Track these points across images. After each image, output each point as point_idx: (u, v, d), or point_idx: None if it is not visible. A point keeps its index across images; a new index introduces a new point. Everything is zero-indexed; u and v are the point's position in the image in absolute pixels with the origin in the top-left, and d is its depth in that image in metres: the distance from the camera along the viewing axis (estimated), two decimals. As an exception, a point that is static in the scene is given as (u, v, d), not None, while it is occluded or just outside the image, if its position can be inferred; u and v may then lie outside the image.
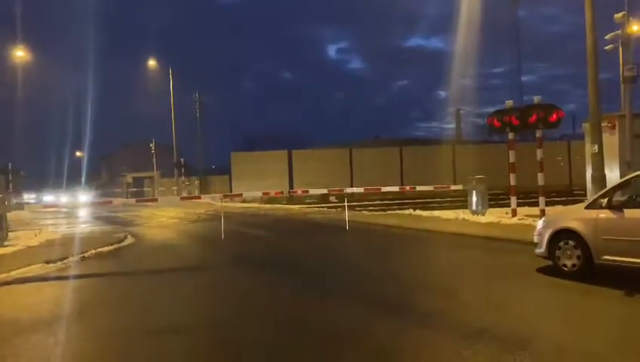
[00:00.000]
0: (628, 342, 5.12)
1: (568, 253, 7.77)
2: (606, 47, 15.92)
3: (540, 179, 15.12)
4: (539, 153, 15.11)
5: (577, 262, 7.66)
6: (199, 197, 25.99)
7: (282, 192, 22.76)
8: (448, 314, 6.14)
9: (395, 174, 35.70)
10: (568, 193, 27.37)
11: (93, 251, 12.58)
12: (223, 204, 18.80)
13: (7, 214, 14.25)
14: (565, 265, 7.80)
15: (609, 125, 14.79)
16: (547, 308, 6.54)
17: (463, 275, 8.78)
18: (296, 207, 28.25)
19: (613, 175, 13.73)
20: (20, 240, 14.43)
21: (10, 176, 38.54)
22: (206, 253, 13.01)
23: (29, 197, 50.12)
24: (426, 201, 25.86)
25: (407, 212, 20.40)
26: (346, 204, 18.41)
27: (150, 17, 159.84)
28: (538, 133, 15.23)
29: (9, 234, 14.28)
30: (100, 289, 8.76)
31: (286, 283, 8.58)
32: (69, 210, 32.18)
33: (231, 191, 31.37)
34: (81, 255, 12.02)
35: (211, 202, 29.17)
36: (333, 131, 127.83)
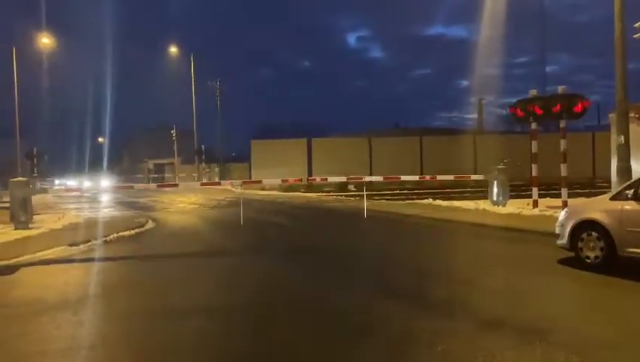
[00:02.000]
0: (651, 335, 5.04)
1: (591, 244, 7.66)
2: (635, 35, 15.51)
3: (563, 170, 14.90)
4: (562, 144, 14.88)
5: (600, 254, 7.54)
6: (219, 184, 26.17)
7: (301, 180, 22.79)
8: (466, 304, 6.10)
9: (414, 164, 35.48)
10: (592, 185, 26.92)
11: (115, 235, 12.77)
12: (243, 190, 18.93)
13: (32, 197, 14.53)
14: (588, 257, 7.69)
15: (636, 116, 14.45)
16: (568, 299, 6.47)
17: (482, 265, 8.71)
18: (315, 195, 28.26)
19: (639, 166, 13.45)
20: (44, 223, 14.71)
21: (34, 160, 39.35)
22: (225, 238, 13.11)
23: (60, 183, 51.23)
24: (446, 191, 25.66)
25: (426, 201, 20.28)
26: (364, 192, 18.38)
27: (171, 4, 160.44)
28: (562, 123, 14.98)
29: (34, 217, 14.56)
30: (121, 272, 8.91)
31: (303, 269, 8.62)
32: (92, 195, 32.67)
33: (250, 179, 31.51)
34: (104, 238, 12.22)
35: (231, 189, 29.37)
36: (352, 120, 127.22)
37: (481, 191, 20.57)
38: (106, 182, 48.21)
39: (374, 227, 14.69)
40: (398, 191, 28.16)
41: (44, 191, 22.30)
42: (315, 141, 38.61)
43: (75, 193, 30.79)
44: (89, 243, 11.52)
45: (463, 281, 7.40)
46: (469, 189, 25.70)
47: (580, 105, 14.39)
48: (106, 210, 22.26)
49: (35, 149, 39.95)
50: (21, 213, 13.52)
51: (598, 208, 7.82)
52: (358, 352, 4.66)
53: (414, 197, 23.50)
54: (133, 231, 13.64)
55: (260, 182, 23.50)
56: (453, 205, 18.23)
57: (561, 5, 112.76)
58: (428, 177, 20.97)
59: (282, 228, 14.75)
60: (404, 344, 4.86)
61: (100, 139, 72.29)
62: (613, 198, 7.76)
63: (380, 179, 20.73)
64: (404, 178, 21.33)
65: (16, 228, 13.22)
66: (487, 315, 5.55)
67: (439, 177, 19.77)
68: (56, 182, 53.25)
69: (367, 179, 20.30)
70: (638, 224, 7.14)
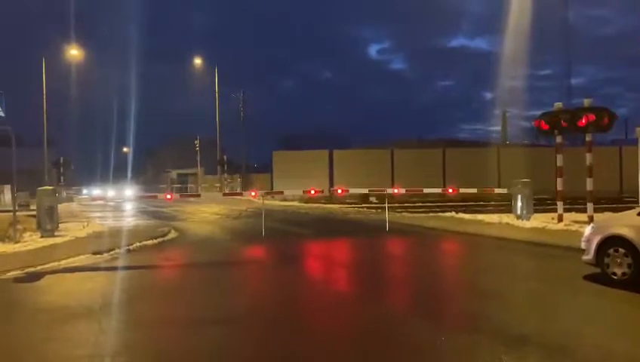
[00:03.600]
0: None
1: (618, 260, 7.49)
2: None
3: (589, 184, 14.63)
4: (588, 158, 14.63)
5: (628, 271, 7.37)
6: (241, 194, 26.33)
7: (323, 191, 22.77)
8: (491, 319, 6.02)
9: (437, 176, 35.16)
10: (619, 200, 26.36)
11: (139, 244, 12.93)
12: (264, 201, 19.01)
13: (58, 206, 14.80)
14: (615, 273, 7.52)
15: (664, 129, 14.18)
16: (594, 316, 6.33)
17: (506, 280, 8.59)
18: (336, 206, 28.24)
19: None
20: (69, 231, 14.96)
21: (61, 169, 40.13)
22: (247, 249, 13.17)
23: (87, 191, 52.07)
24: (469, 204, 25.37)
25: (449, 214, 20.09)
26: (386, 204, 18.29)
27: (193, 17, 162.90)
28: (588, 137, 14.74)
29: (59, 225, 14.83)
30: (144, 281, 9.00)
31: (325, 282, 8.60)
32: (116, 204, 33.15)
33: (272, 189, 31.63)
34: (127, 247, 12.38)
35: (252, 199, 29.51)
36: (374, 131, 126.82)
37: (504, 204, 20.29)
38: (130, 191, 48.88)
39: (396, 240, 14.59)
40: (420, 204, 27.96)
41: (70, 199, 22.70)
42: (337, 152, 38.62)
43: (99, 202, 31.27)
44: (113, 252, 11.68)
45: (488, 296, 7.30)
46: (492, 202, 25.36)
47: (606, 119, 14.15)
48: (129, 218, 22.56)
49: (61, 158, 40.75)
50: (47, 221, 13.78)
51: (626, 223, 7.66)
52: (378, 366, 4.62)
53: (437, 209, 23.29)
54: (156, 241, 13.79)
55: (281, 192, 23.55)
56: (476, 218, 18.03)
57: (587, 17, 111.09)
58: (451, 190, 20.73)
59: (304, 240, 14.75)
60: (426, 357, 4.81)
61: (125, 149, 73.52)
62: (640, 214, 7.59)
63: (402, 191, 20.54)
64: (426, 190, 21.14)
65: (42, 236, 13.48)
66: (512, 330, 5.47)
67: (462, 190, 19.53)
68: (84, 191, 54.21)
69: (389, 191, 20.16)
70: (668, 240, 6.98)
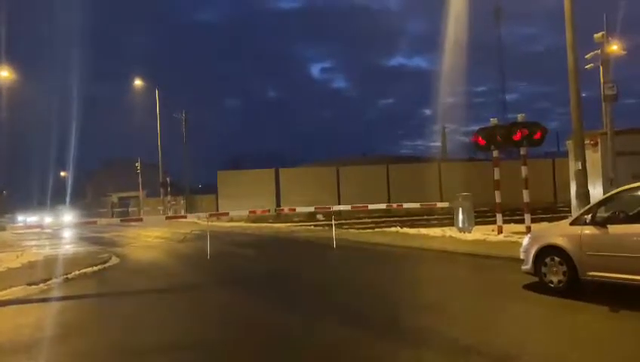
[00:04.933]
0: (613, 357, 5.13)
1: (554, 269, 7.80)
2: (586, 66, 16.21)
3: (525, 195, 15.22)
4: (524, 170, 15.25)
5: (563, 278, 7.69)
6: (185, 217, 25.75)
7: (269, 210, 22.64)
8: (435, 332, 6.11)
9: (382, 192, 35.73)
10: (554, 210, 27.59)
11: (77, 272, 12.38)
12: (209, 223, 18.70)
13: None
14: (551, 282, 7.83)
15: (591, 142, 15.02)
16: (534, 324, 6.54)
17: (449, 293, 8.76)
18: (284, 225, 28.13)
19: (596, 191, 13.90)
20: (2, 262, 14.15)
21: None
22: (192, 273, 12.86)
23: (22, 219, 49.55)
24: (413, 219, 25.89)
25: (394, 230, 20.38)
26: (333, 222, 18.38)
27: (135, 38, 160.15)
28: (522, 151, 15.38)
29: (-10, 255, 14.02)
30: (83, 311, 8.62)
31: (272, 303, 8.50)
32: (53, 231, 31.71)
33: (217, 210, 31.16)
34: (65, 276, 11.83)
35: (197, 221, 28.98)
36: (320, 150, 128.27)
37: (447, 218, 20.82)
38: (68, 217, 46.92)
39: (343, 257, 14.64)
40: (366, 220, 28.26)
41: (2, 228, 21.56)
42: (283, 171, 38.60)
43: (36, 229, 29.84)
44: (49, 282, 11.11)
45: (432, 309, 7.41)
46: (435, 216, 25.98)
47: (538, 133, 14.82)
48: (68, 246, 21.62)
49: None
50: (-23, 253, 13.02)
51: (559, 233, 8.00)
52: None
53: (382, 225, 23.60)
54: (96, 268, 13.24)
55: (226, 213, 23.22)
56: (420, 233, 18.36)
57: (518, 36, 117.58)
58: (395, 205, 21.10)
59: (250, 261, 14.56)
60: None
61: (63, 173, 70.76)
62: (572, 223, 7.95)
63: (347, 208, 20.73)
64: (371, 207, 21.41)
65: (-29, 269, 12.69)
66: (456, 342, 5.57)
67: (406, 205, 19.92)
68: (19, 218, 51.62)
69: (335, 208, 20.29)
70: (597, 248, 7.34)
